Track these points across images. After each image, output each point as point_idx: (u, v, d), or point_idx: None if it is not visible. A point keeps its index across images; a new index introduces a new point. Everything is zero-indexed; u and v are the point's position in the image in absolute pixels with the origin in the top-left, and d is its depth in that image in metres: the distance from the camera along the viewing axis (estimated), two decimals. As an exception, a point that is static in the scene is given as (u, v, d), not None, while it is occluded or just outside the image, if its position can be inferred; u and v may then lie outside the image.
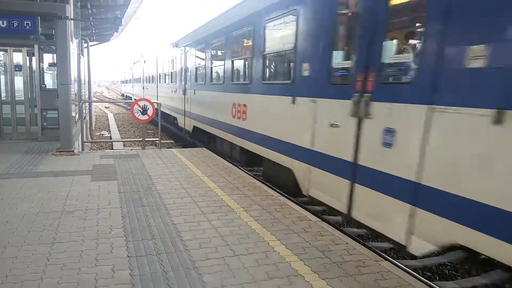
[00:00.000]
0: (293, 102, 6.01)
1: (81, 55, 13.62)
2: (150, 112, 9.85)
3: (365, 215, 4.52)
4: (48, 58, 10.39)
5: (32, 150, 9.00)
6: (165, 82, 17.39)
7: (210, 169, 7.52)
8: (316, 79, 5.45)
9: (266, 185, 6.58)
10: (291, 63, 6.42)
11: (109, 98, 55.91)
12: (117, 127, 20.81)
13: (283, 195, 6.02)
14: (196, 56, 11.88)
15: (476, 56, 3.24)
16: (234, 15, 8.72)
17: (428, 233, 3.69)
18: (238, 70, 8.97)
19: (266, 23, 6.88)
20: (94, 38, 24.77)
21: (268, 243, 4.06)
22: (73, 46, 10.29)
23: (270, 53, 7.04)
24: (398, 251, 5.04)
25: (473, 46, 3.26)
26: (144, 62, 25.23)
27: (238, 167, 7.98)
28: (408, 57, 4.26)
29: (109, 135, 18.34)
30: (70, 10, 8.37)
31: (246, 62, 8.24)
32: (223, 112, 9.25)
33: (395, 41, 4.51)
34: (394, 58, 4.37)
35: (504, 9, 3.07)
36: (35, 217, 4.62)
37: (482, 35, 3.22)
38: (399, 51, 4.41)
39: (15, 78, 10.45)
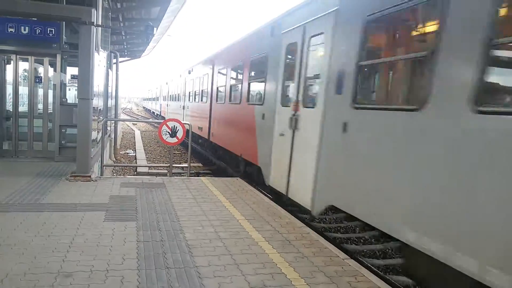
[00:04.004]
0: None
1: (109, 69, 12.66)
2: (180, 134, 8.59)
3: None
4: (74, 71, 9.38)
5: (45, 172, 7.87)
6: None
7: (249, 209, 6.13)
8: None
9: (327, 240, 5.12)
10: None
11: (137, 114, 55.74)
12: (143, 146, 19.82)
13: (352, 258, 4.54)
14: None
15: None
16: None
17: None
18: None
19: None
20: (126, 53, 24.28)
21: None
22: (100, 57, 9.24)
23: None
24: None
25: None
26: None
27: (282, 207, 6.55)
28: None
29: (134, 154, 17.31)
30: (96, 16, 7.29)
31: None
32: None
33: None
34: None
35: None
36: (18, 283, 3.31)
37: None
38: None
39: (35, 90, 9.46)
